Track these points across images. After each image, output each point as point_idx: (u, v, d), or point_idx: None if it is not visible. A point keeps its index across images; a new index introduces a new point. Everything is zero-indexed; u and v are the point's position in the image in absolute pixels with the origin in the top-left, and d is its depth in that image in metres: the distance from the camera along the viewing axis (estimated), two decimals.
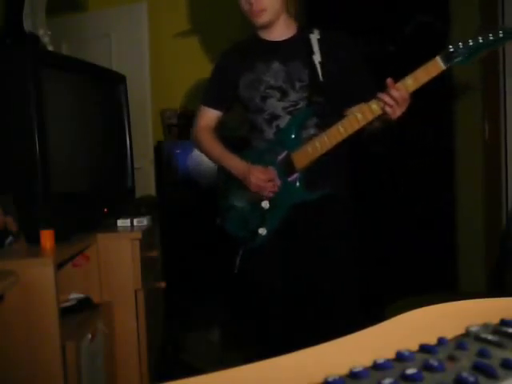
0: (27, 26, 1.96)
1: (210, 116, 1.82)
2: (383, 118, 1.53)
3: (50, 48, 2.03)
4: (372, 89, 1.55)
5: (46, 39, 2.01)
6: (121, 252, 1.94)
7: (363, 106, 1.52)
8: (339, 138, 1.56)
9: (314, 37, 1.68)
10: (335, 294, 1.73)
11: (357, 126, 1.54)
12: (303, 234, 1.71)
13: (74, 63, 2.01)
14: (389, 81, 1.47)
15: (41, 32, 1.99)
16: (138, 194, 2.52)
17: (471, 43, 1.43)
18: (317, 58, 1.65)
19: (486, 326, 0.40)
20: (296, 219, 1.68)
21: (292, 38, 1.73)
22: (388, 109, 1.48)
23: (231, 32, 3.56)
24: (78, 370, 1.54)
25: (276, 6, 1.66)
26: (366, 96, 1.55)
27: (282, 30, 1.72)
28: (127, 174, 2.26)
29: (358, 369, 0.33)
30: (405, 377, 0.32)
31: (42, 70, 1.65)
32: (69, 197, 1.80)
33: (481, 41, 1.42)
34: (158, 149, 3.35)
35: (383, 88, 1.49)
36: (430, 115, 2.82)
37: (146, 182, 3.20)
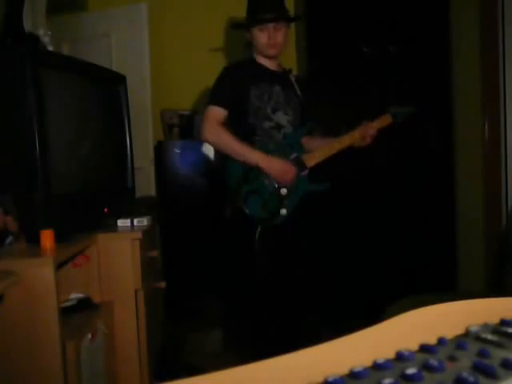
0: (27, 26, 1.96)
1: (219, 114, 2.07)
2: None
3: (50, 48, 2.03)
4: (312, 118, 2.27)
5: (46, 39, 2.01)
6: (121, 252, 1.94)
7: (350, 132, 2.13)
8: (334, 151, 2.12)
9: (292, 77, 2.23)
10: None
11: (347, 144, 2.13)
12: (309, 218, 2.18)
13: (74, 63, 2.01)
14: (366, 122, 2.15)
15: (41, 32, 1.99)
16: (138, 194, 2.53)
17: (405, 110, 2.19)
18: (298, 92, 2.20)
19: (485, 326, 0.40)
20: (304, 204, 2.11)
21: (282, 71, 2.21)
22: (360, 142, 2.14)
23: (231, 32, 3.56)
24: (77, 370, 1.54)
25: (284, 44, 2.12)
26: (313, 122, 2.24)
27: (277, 64, 2.20)
28: (127, 174, 2.26)
29: (358, 369, 0.33)
30: (405, 377, 0.32)
31: (42, 70, 1.65)
32: (69, 197, 1.80)
33: (407, 111, 2.19)
34: (158, 149, 3.35)
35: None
36: (430, 115, 2.82)
37: (145, 182, 3.20)
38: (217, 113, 2.06)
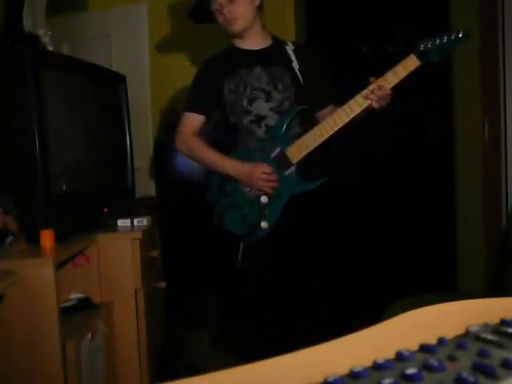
0: (27, 26, 1.96)
1: (194, 121, 1.89)
2: (368, 109, 1.70)
3: (50, 48, 2.03)
4: (334, 92, 1.86)
5: (46, 39, 2.01)
6: (121, 252, 1.94)
7: (351, 101, 1.69)
8: (331, 131, 1.71)
9: (289, 48, 1.87)
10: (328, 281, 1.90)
11: (346, 119, 1.69)
12: (303, 223, 1.83)
13: (74, 63, 2.01)
14: (371, 78, 1.67)
15: (41, 32, 1.99)
16: (138, 194, 2.52)
17: (437, 42, 1.63)
18: (295, 65, 1.83)
19: (485, 326, 0.40)
20: (294, 211, 1.78)
21: (269, 47, 1.88)
22: (372, 103, 1.66)
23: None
24: (77, 370, 1.54)
25: (248, 15, 1.81)
26: (334, 97, 1.83)
27: (257, 40, 1.87)
28: (127, 173, 2.26)
29: (358, 369, 0.33)
30: (405, 377, 0.32)
31: (42, 69, 1.65)
32: (69, 197, 1.80)
33: (445, 40, 1.63)
34: (158, 149, 3.35)
35: None
36: (430, 115, 2.82)
37: (145, 182, 3.20)
38: (191, 120, 1.89)
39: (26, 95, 1.61)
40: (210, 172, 1.90)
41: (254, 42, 1.87)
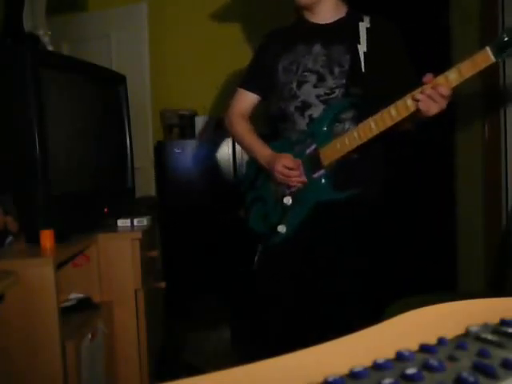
0: (27, 26, 1.96)
1: (247, 100, 1.72)
2: (416, 115, 1.40)
3: (50, 48, 2.03)
4: (411, 82, 1.42)
5: (46, 39, 2.01)
6: (121, 252, 1.94)
7: (398, 102, 1.39)
8: (370, 135, 1.44)
9: (364, 25, 1.58)
10: (351, 297, 1.67)
11: (390, 123, 1.40)
12: (322, 236, 1.62)
13: (74, 63, 2.01)
14: (426, 76, 1.34)
15: (41, 32, 2.00)
16: (138, 194, 2.53)
17: None
18: (362, 47, 1.55)
19: (485, 326, 0.40)
20: (318, 220, 1.57)
21: (338, 21, 1.61)
22: (421, 106, 1.33)
23: (231, 32, 3.57)
24: (77, 370, 1.54)
25: None
26: (405, 90, 1.40)
27: (328, 13, 1.61)
28: (127, 173, 2.26)
29: (358, 369, 0.33)
30: (405, 377, 0.32)
31: (42, 69, 1.65)
32: (69, 197, 1.80)
33: None
34: (158, 149, 3.35)
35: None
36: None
37: (145, 182, 3.21)
38: (243, 99, 1.72)
39: (26, 95, 1.61)
40: (249, 161, 1.77)
41: (323, 15, 1.61)
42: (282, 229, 1.60)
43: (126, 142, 2.27)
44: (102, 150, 2.10)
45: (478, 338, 0.38)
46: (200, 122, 3.36)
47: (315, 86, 1.56)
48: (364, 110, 1.51)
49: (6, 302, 1.41)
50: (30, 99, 1.60)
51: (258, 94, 1.71)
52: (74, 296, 1.84)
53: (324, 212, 1.55)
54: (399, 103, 1.39)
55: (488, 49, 1.26)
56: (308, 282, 1.66)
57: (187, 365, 2.47)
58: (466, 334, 0.40)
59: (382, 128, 1.42)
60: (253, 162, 1.71)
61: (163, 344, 2.53)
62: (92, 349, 1.67)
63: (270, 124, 1.79)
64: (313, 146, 1.54)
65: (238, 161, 3.32)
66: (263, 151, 1.63)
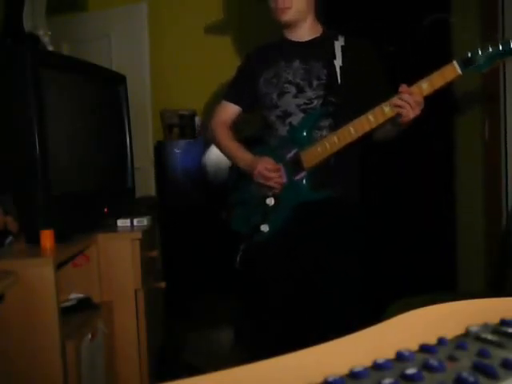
0: (27, 26, 1.96)
1: (229, 111, 1.84)
2: (395, 121, 1.54)
3: (50, 48, 2.03)
4: (382, 95, 1.57)
5: (45, 39, 2.01)
6: (121, 252, 1.94)
7: (376, 109, 1.52)
8: (349, 139, 1.56)
9: (339, 43, 1.73)
10: (335, 294, 1.72)
11: (368, 128, 1.54)
12: (305, 234, 1.71)
13: (74, 63, 2.01)
14: (402, 86, 1.49)
15: (41, 32, 2.00)
16: (138, 194, 2.53)
17: (490, 50, 1.43)
18: (338, 62, 1.69)
19: (485, 326, 0.40)
20: (300, 218, 1.67)
21: (316, 39, 1.76)
22: (401, 111, 1.48)
23: (231, 32, 3.57)
24: (77, 370, 1.54)
25: (301, 5, 1.70)
26: (377, 102, 1.56)
27: (306, 32, 1.76)
28: (127, 173, 2.26)
29: (358, 369, 0.33)
30: (405, 377, 0.32)
31: (42, 69, 1.65)
32: (69, 197, 1.80)
33: (500, 48, 1.42)
34: (158, 149, 3.36)
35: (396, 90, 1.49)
36: (429, 115, 2.82)
37: (145, 182, 3.21)
38: (226, 110, 1.84)
39: (26, 95, 1.61)
40: (231, 167, 1.87)
41: (302, 33, 1.76)
42: (264, 228, 1.68)
43: (126, 142, 2.27)
44: (101, 150, 2.10)
45: (478, 337, 0.38)
46: (200, 122, 3.37)
47: (295, 97, 1.69)
48: (339, 118, 1.65)
49: (6, 302, 1.41)
50: (30, 99, 1.60)
51: (239, 106, 1.83)
52: (74, 296, 1.84)
53: (304, 212, 1.66)
54: (376, 110, 1.52)
55: (455, 62, 1.44)
56: (291, 277, 1.74)
57: (187, 365, 2.47)
58: (466, 333, 0.40)
59: (361, 133, 1.55)
60: (235, 167, 1.82)
61: (163, 344, 2.53)
62: (92, 349, 1.67)
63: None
64: (293, 151, 1.66)
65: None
66: (244, 156, 1.75)
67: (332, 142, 1.58)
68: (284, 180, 1.66)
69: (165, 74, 3.54)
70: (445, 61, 2.91)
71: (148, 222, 2.14)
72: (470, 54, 1.43)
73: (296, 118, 1.69)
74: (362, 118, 1.53)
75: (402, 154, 2.99)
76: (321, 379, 0.33)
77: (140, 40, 3.27)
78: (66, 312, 1.62)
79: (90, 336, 1.66)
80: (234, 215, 1.79)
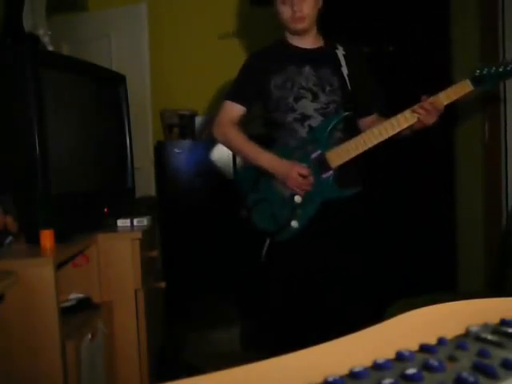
0: (27, 26, 1.96)
1: (234, 111, 1.87)
2: (413, 126, 1.73)
3: (50, 48, 2.03)
4: (382, 100, 1.87)
5: (45, 39, 2.01)
6: (121, 252, 1.94)
7: (398, 115, 1.71)
8: (374, 142, 1.72)
9: (340, 52, 1.87)
10: (355, 288, 1.87)
11: (391, 132, 1.71)
12: (331, 229, 1.82)
13: (74, 63, 2.01)
14: (423, 97, 1.69)
15: (41, 32, 2.00)
16: (138, 194, 2.53)
17: (493, 70, 1.67)
18: (345, 70, 1.83)
19: (485, 326, 0.40)
20: (325, 215, 1.77)
21: (321, 48, 1.89)
22: (422, 118, 1.69)
23: (231, 32, 3.57)
24: (77, 370, 1.54)
25: (313, 15, 1.82)
26: (379, 105, 1.88)
27: (312, 40, 1.88)
28: (127, 173, 2.26)
29: (358, 369, 0.33)
30: (405, 377, 0.32)
31: (42, 69, 1.65)
32: (69, 197, 1.80)
33: (508, 68, 1.65)
34: (158, 149, 3.35)
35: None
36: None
37: (146, 182, 3.20)
38: (232, 110, 1.86)
39: (26, 95, 1.61)
40: (245, 164, 1.91)
41: (308, 41, 1.87)
42: (295, 224, 1.78)
43: (125, 142, 2.27)
44: (101, 150, 2.10)
45: (478, 338, 0.38)
46: (200, 122, 3.37)
47: (312, 101, 1.80)
48: (350, 121, 1.84)
49: (6, 302, 1.41)
50: (30, 99, 1.60)
51: (244, 106, 1.87)
52: (74, 296, 1.84)
53: (330, 208, 1.78)
54: (399, 116, 1.72)
55: (467, 80, 1.70)
56: (316, 271, 1.85)
57: (187, 365, 2.47)
58: (466, 333, 0.40)
59: (385, 136, 1.72)
60: (251, 166, 1.86)
61: (163, 344, 2.53)
62: (92, 349, 1.67)
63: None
64: (318, 151, 1.78)
65: (237, 161, 3.32)
66: (265, 156, 1.81)
67: (359, 143, 1.73)
68: (312, 182, 1.76)
69: (165, 74, 3.53)
70: (445, 61, 2.91)
71: (148, 221, 2.14)
72: (478, 73, 1.69)
73: (315, 121, 1.79)
74: (387, 123, 1.72)
75: (402, 154, 2.99)
76: (321, 379, 0.33)
77: (140, 40, 3.26)
78: (65, 312, 1.62)
79: (89, 336, 1.66)
80: (257, 213, 1.84)
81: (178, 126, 3.42)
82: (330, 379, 0.32)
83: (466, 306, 0.47)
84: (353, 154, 1.74)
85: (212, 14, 3.58)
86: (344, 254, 1.85)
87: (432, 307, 0.46)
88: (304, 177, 1.74)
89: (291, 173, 1.74)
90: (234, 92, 1.89)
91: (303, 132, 1.80)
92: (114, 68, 2.77)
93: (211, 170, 3.29)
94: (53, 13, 2.37)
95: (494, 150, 2.63)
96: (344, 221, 1.83)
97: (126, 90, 2.26)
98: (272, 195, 1.82)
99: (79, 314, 1.75)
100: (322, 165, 1.77)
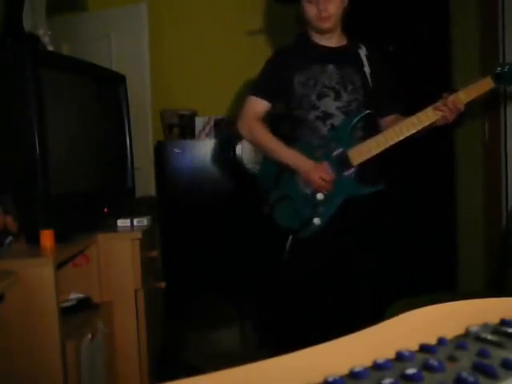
0: (27, 26, 1.96)
1: (259, 106, 1.88)
2: (434, 123, 1.76)
3: (50, 48, 2.03)
4: (400, 101, 1.92)
5: (45, 39, 2.01)
6: (121, 252, 1.94)
7: (420, 113, 1.74)
8: (396, 140, 1.74)
9: (362, 52, 1.90)
10: (371, 285, 1.95)
11: (413, 130, 1.74)
12: (352, 227, 1.86)
13: (74, 63, 2.01)
14: (445, 94, 1.72)
15: (41, 32, 1.99)
16: (138, 194, 2.53)
17: None
18: (367, 69, 1.86)
19: (485, 326, 0.40)
20: (346, 212, 1.80)
21: (344, 47, 1.91)
22: (444, 115, 1.72)
23: (231, 32, 3.57)
24: (77, 370, 1.54)
25: (338, 15, 1.84)
26: (399, 105, 1.92)
27: (336, 39, 1.90)
28: (127, 173, 2.26)
29: (358, 369, 0.33)
30: (405, 377, 0.32)
31: (42, 69, 1.65)
32: (69, 197, 1.80)
33: None
34: (158, 149, 3.35)
35: None
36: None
37: (145, 182, 3.20)
38: (256, 105, 1.88)
39: (26, 95, 1.61)
40: (267, 160, 1.90)
41: (334, 40, 1.90)
42: (317, 221, 1.80)
43: (125, 142, 2.27)
44: (101, 150, 2.10)
45: (478, 338, 0.38)
46: (200, 122, 3.36)
47: (335, 100, 1.82)
48: (370, 120, 1.86)
49: (5, 302, 1.41)
50: (30, 99, 1.60)
51: (269, 102, 1.88)
52: (74, 296, 1.84)
53: (351, 206, 1.80)
54: (420, 114, 1.74)
55: (489, 78, 1.70)
56: (335, 268, 1.91)
57: (187, 365, 2.47)
58: (466, 333, 0.40)
59: (407, 134, 1.74)
60: (271, 162, 1.87)
61: (163, 344, 2.53)
62: (92, 349, 1.67)
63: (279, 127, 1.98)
64: (339, 149, 1.80)
65: (238, 160, 3.31)
66: (290, 154, 1.83)
67: (380, 141, 1.75)
68: (333, 181, 1.78)
69: (165, 74, 3.53)
70: (445, 61, 2.90)
71: (148, 222, 2.14)
72: (498, 70, 1.70)
73: (337, 120, 1.82)
74: (408, 121, 1.74)
75: (402, 155, 2.99)
76: (321, 379, 0.33)
77: (140, 40, 3.26)
78: (65, 312, 1.62)
79: (89, 336, 1.66)
80: (280, 209, 1.85)
81: (178, 126, 3.42)
82: (330, 379, 0.32)
83: (466, 305, 0.47)
84: (374, 152, 1.76)
85: (212, 14, 3.58)
86: (362, 252, 1.91)
87: (432, 307, 0.46)
88: (326, 181, 1.77)
89: (314, 175, 1.77)
90: (258, 87, 1.90)
91: (325, 130, 1.82)
92: (114, 68, 2.77)
93: (211, 170, 3.29)
94: (53, 13, 2.37)
95: (494, 150, 2.63)
96: (365, 219, 1.88)
97: (125, 90, 2.26)
98: (294, 192, 1.84)
99: (79, 314, 1.74)
100: (343, 162, 1.79)
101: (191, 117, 3.40)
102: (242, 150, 2.95)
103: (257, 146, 1.94)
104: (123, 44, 3.27)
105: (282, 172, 1.85)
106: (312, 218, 1.80)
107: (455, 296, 0.53)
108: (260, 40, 3.41)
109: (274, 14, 3.40)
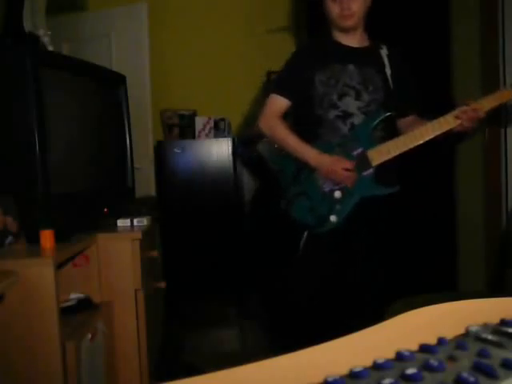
0: (27, 26, 1.96)
1: (280, 104, 1.89)
2: (452, 130, 1.76)
3: (50, 48, 2.03)
4: (419, 102, 1.93)
5: (45, 39, 2.01)
6: (121, 252, 1.94)
7: (440, 119, 1.75)
8: (415, 143, 1.76)
9: (384, 52, 1.91)
10: (382, 284, 2.00)
11: (432, 134, 1.75)
12: (367, 226, 1.88)
13: (74, 63, 2.01)
14: (465, 101, 1.75)
15: (41, 32, 2.00)
16: (138, 194, 2.53)
17: None
18: (388, 70, 1.88)
19: (485, 326, 0.40)
20: (362, 212, 1.82)
21: (366, 47, 1.91)
22: (463, 122, 1.73)
23: (231, 32, 3.56)
24: (77, 370, 1.54)
25: (361, 13, 1.84)
26: (418, 107, 1.93)
27: (358, 38, 1.90)
28: (127, 173, 2.26)
29: (358, 369, 0.33)
30: (405, 377, 0.32)
31: (42, 70, 1.65)
32: (69, 197, 1.80)
33: None
34: (158, 149, 3.36)
35: None
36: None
37: (145, 182, 3.21)
38: (277, 103, 1.89)
39: (26, 95, 1.61)
40: (286, 158, 1.91)
41: (356, 39, 1.90)
42: (334, 219, 1.81)
43: (125, 142, 2.27)
44: (101, 150, 2.10)
45: (478, 337, 0.38)
46: (200, 122, 3.37)
47: (356, 99, 1.83)
48: (390, 121, 1.87)
49: (5, 302, 1.41)
50: (30, 99, 1.60)
51: (289, 99, 1.89)
52: (74, 296, 1.84)
53: (367, 205, 1.82)
54: (441, 119, 1.75)
55: (510, 88, 1.76)
56: (348, 266, 1.93)
57: (187, 365, 2.47)
58: (466, 333, 0.40)
59: (426, 138, 1.75)
60: (291, 159, 1.88)
61: (163, 344, 2.53)
62: (92, 349, 1.67)
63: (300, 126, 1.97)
64: (359, 149, 1.81)
65: (237, 160, 3.32)
66: (310, 152, 1.83)
67: (400, 143, 1.78)
68: (356, 177, 1.79)
69: (165, 74, 3.54)
70: (445, 61, 2.90)
71: (148, 222, 2.14)
72: None
73: (357, 119, 1.82)
74: (428, 125, 1.76)
75: (401, 155, 2.99)
76: (321, 379, 0.33)
77: (140, 40, 3.26)
78: (65, 312, 1.62)
79: (89, 336, 1.66)
80: (297, 205, 1.86)
81: (178, 126, 3.42)
82: (330, 379, 0.32)
83: (466, 305, 0.47)
84: (393, 154, 1.78)
85: (212, 14, 3.58)
86: (375, 252, 1.94)
87: (432, 307, 0.46)
88: (348, 170, 1.78)
89: (337, 167, 1.78)
90: (279, 85, 1.92)
91: (345, 129, 1.83)
92: (114, 68, 2.77)
93: (211, 170, 3.29)
94: (53, 13, 2.37)
95: (494, 150, 2.63)
96: (380, 219, 1.89)
97: (125, 90, 2.26)
98: (312, 189, 1.85)
99: (79, 314, 1.74)
100: (362, 162, 1.80)
101: (191, 117, 3.40)
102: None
103: (277, 143, 1.95)
104: (123, 44, 3.28)
105: (301, 169, 1.86)
106: (329, 216, 1.81)
107: (455, 296, 0.53)
108: (260, 40, 3.41)
109: (273, 15, 3.40)
